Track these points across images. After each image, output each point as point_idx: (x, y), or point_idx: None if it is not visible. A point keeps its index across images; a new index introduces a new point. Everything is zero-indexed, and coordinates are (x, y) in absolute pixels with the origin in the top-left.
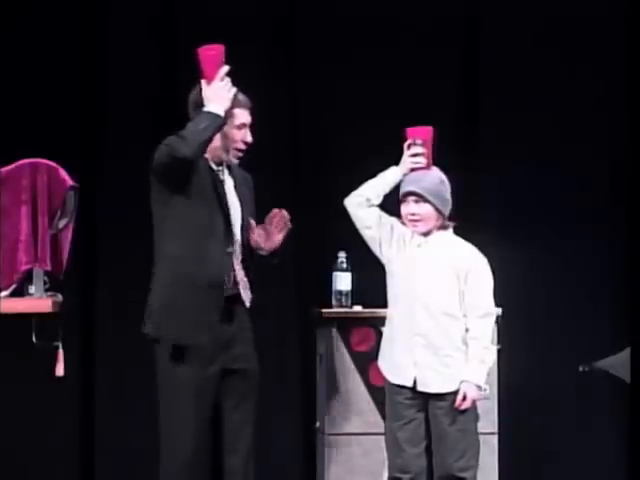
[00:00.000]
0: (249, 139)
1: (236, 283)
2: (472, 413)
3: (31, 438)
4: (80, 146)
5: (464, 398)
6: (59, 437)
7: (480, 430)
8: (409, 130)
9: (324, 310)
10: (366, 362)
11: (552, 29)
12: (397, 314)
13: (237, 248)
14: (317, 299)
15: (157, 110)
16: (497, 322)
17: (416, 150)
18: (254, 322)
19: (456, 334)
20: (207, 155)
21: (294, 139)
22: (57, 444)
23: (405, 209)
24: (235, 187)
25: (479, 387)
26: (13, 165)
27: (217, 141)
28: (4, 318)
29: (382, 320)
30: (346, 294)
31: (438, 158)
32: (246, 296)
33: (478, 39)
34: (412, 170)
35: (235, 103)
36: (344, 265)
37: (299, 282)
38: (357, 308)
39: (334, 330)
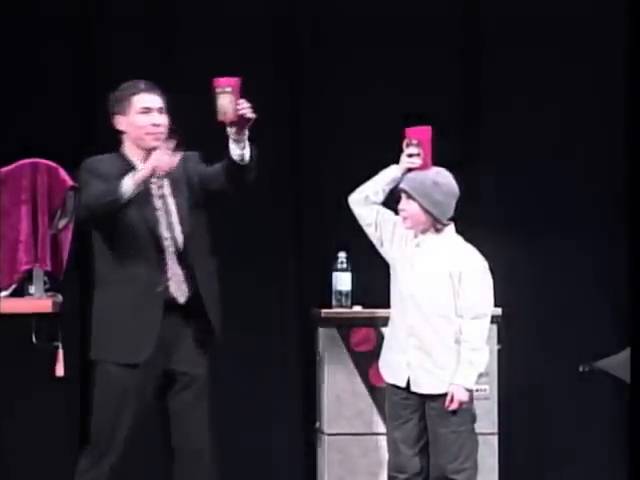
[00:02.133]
0: (157, 121)
1: (168, 279)
2: (467, 414)
3: (31, 438)
4: (80, 146)
5: (452, 400)
6: (59, 437)
7: (480, 430)
8: (407, 130)
9: (324, 310)
10: (366, 362)
11: (552, 29)
12: (395, 314)
13: (171, 245)
14: (317, 299)
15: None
16: (497, 322)
17: (411, 150)
18: (254, 322)
19: (449, 335)
20: (133, 157)
21: (294, 139)
22: (57, 444)
23: (398, 205)
24: (170, 179)
25: (468, 389)
26: (13, 165)
27: (130, 134)
28: (4, 318)
29: (382, 320)
30: (346, 294)
31: (438, 158)
32: (179, 293)
33: (478, 39)
34: (409, 170)
35: (131, 91)
36: (344, 265)
37: (299, 282)
38: (357, 308)
39: (334, 330)
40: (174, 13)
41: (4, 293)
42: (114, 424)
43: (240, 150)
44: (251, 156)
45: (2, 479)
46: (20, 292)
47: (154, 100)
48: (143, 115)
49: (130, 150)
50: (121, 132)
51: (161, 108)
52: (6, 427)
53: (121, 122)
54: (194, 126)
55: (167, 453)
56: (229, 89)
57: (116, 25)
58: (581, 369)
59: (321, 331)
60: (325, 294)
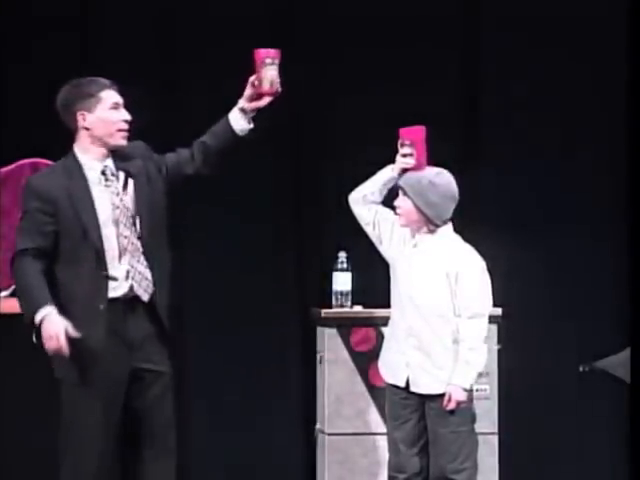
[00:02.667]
0: (128, 117)
1: (129, 278)
2: (467, 415)
3: (31, 438)
4: None
5: (449, 399)
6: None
7: (480, 430)
8: (401, 130)
9: (324, 310)
10: (366, 362)
11: (552, 29)
12: (395, 314)
13: (131, 242)
14: (317, 299)
15: (156, 110)
16: (497, 322)
17: (405, 151)
18: (254, 322)
19: (448, 335)
20: (86, 157)
21: (294, 139)
22: (57, 444)
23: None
24: (121, 172)
25: (465, 389)
26: (13, 165)
27: (97, 131)
28: (4, 318)
29: (382, 320)
30: (346, 294)
31: (438, 158)
32: (142, 290)
33: (478, 39)
34: (404, 170)
35: (98, 87)
36: (344, 265)
37: (299, 282)
38: (357, 308)
39: (334, 330)
40: (174, 13)
41: (4, 293)
42: (96, 434)
43: (247, 124)
44: (254, 128)
45: (2, 479)
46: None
47: (119, 97)
48: (114, 111)
49: (84, 150)
50: (76, 130)
51: (124, 104)
52: (6, 427)
53: (86, 119)
54: (193, 126)
55: (131, 454)
56: (277, 60)
57: (116, 25)
58: (581, 369)
59: (321, 331)
60: (325, 294)
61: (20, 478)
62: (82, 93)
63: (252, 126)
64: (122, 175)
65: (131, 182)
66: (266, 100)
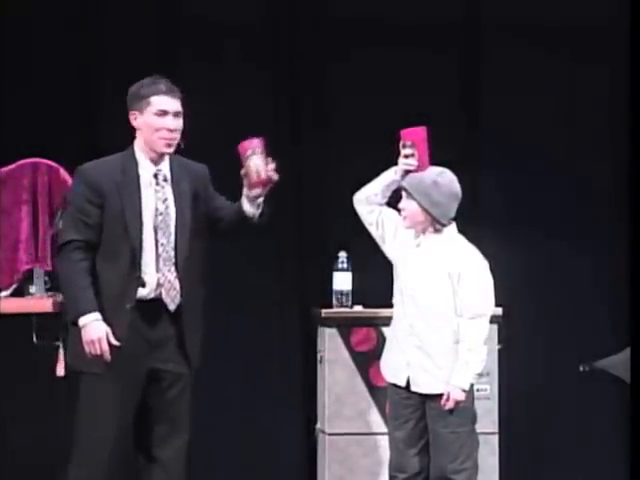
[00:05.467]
0: (171, 126)
1: (159, 285)
2: (467, 415)
3: (31, 438)
4: (80, 146)
5: (448, 399)
6: (59, 437)
7: (481, 430)
8: (402, 132)
9: (325, 310)
10: (366, 362)
11: (552, 29)
12: (397, 313)
13: (166, 250)
14: (318, 299)
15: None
16: (498, 322)
17: (406, 152)
18: (254, 321)
19: (449, 335)
20: (142, 157)
21: (295, 139)
22: (57, 444)
23: (399, 204)
24: (173, 183)
25: (464, 390)
26: (14, 165)
27: (144, 134)
28: (4, 318)
29: (382, 320)
30: (347, 294)
31: (438, 158)
32: (169, 299)
33: (478, 39)
34: (406, 172)
35: (152, 91)
36: (345, 265)
37: (300, 282)
38: (358, 308)
39: (335, 330)
40: (174, 14)
41: (5, 293)
42: (107, 432)
43: (255, 209)
44: (261, 213)
45: (2, 479)
46: (21, 292)
47: (173, 104)
48: (158, 117)
49: (141, 148)
50: (135, 128)
51: (178, 112)
52: (6, 427)
53: (136, 119)
54: (193, 128)
55: (143, 454)
56: (259, 149)
57: (117, 25)
58: (581, 369)
59: (321, 331)
60: (326, 294)
61: (20, 478)
62: (139, 93)
63: (260, 211)
64: (172, 184)
65: (178, 195)
66: (259, 189)
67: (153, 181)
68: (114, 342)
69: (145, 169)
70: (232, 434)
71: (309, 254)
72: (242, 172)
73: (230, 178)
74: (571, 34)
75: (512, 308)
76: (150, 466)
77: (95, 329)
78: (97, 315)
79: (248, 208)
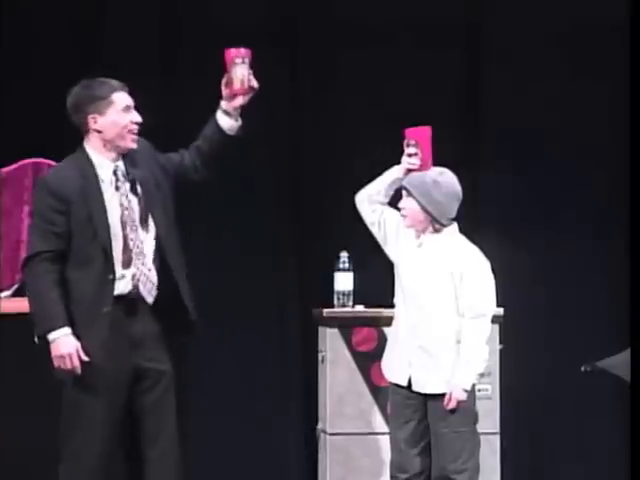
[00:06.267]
0: (138, 119)
1: (135, 280)
2: (468, 415)
3: (31, 438)
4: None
5: (449, 399)
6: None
7: (482, 430)
8: (406, 131)
9: (326, 310)
10: (368, 362)
11: (553, 30)
12: (398, 313)
13: (137, 244)
14: (319, 299)
15: (156, 110)
16: (499, 322)
17: (410, 151)
18: (255, 321)
19: (451, 335)
20: (98, 155)
21: (295, 139)
22: (57, 444)
23: (399, 203)
24: (129, 174)
25: (465, 389)
26: (15, 165)
27: (109, 134)
28: (5, 318)
29: (384, 320)
30: (348, 294)
31: (438, 158)
32: (146, 292)
33: (478, 39)
34: (409, 171)
35: (108, 90)
36: (346, 265)
37: (301, 282)
38: (359, 308)
39: (336, 330)
40: (175, 14)
41: (5, 293)
42: (94, 433)
43: (234, 121)
44: (240, 125)
45: (2, 479)
46: (21, 292)
47: (129, 98)
48: (126, 114)
49: (96, 149)
50: (87, 132)
51: (134, 106)
52: (6, 427)
53: (97, 122)
54: (192, 126)
55: (131, 453)
56: (247, 59)
57: (117, 25)
58: (583, 369)
59: (323, 331)
60: (327, 294)
61: (20, 478)
62: (94, 96)
63: (240, 123)
64: (131, 177)
65: (139, 184)
66: (240, 99)
67: (113, 179)
68: (84, 358)
69: (103, 168)
70: (232, 434)
71: (310, 254)
72: (224, 81)
73: (231, 177)
74: (571, 34)
75: (513, 308)
76: (140, 466)
77: (65, 344)
78: (67, 330)
79: (227, 121)
